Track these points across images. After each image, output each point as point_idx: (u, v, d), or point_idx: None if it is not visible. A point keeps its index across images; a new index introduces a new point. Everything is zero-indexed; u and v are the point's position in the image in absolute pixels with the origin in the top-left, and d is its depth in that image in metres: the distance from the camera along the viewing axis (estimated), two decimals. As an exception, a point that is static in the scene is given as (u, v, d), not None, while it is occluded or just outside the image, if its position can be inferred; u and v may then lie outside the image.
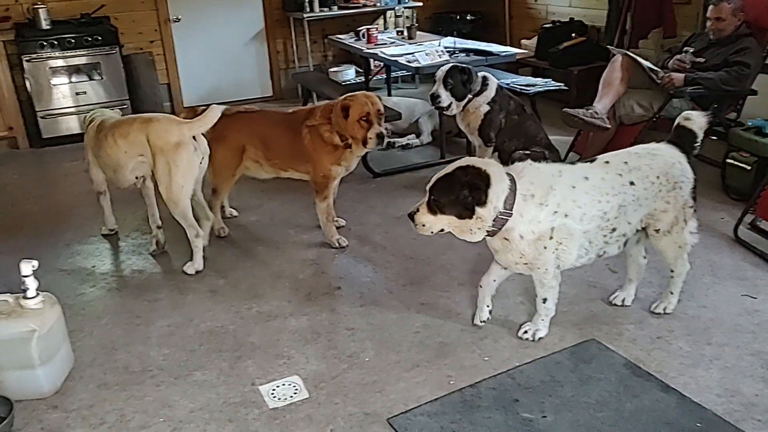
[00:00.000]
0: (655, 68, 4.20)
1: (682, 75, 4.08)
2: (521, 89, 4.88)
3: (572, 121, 4.07)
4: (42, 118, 5.80)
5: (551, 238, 2.47)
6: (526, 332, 2.74)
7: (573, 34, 6.07)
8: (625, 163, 2.58)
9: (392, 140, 5.17)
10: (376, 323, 2.93)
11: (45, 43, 5.63)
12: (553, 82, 5.02)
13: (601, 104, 4.12)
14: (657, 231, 2.65)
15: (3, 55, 5.59)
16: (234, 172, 3.70)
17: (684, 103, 4.18)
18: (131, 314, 3.10)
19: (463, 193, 2.39)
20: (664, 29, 5.22)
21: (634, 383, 2.45)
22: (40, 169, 5.42)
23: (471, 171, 2.42)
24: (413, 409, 2.38)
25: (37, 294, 2.51)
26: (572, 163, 2.86)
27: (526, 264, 2.56)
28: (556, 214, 2.44)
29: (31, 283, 2.48)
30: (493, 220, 2.42)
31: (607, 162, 2.59)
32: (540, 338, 2.72)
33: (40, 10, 5.67)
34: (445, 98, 4.05)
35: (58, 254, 3.76)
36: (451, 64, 4.09)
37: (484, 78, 4.07)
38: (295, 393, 2.51)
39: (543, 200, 2.43)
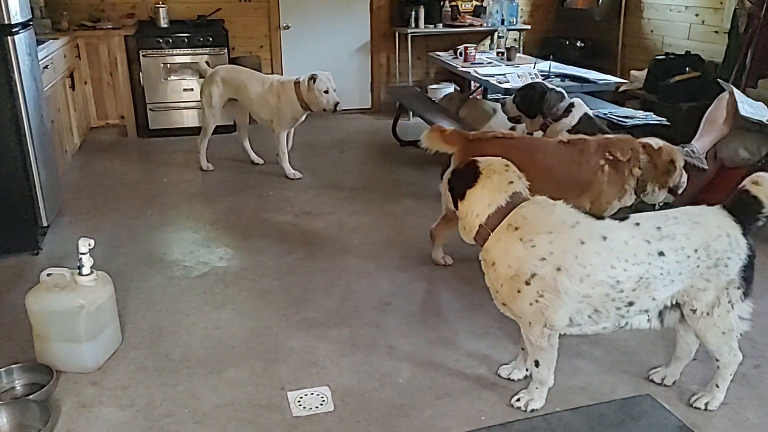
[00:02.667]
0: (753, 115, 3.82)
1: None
2: (618, 121, 4.62)
3: (664, 158, 3.78)
4: (151, 110, 6.17)
5: (528, 284, 2.16)
6: (518, 400, 2.41)
7: (687, 68, 5.69)
8: (658, 228, 2.17)
9: None
10: (418, 345, 2.83)
11: (161, 40, 5.99)
12: (654, 116, 4.72)
13: (700, 143, 3.82)
14: (693, 311, 2.24)
15: (123, 48, 5.99)
16: None
17: (797, 150, 3.80)
18: (186, 304, 3.18)
19: (451, 176, 2.36)
20: (788, 69, 4.77)
21: (685, 450, 2.21)
22: (141, 158, 5.74)
23: (472, 164, 2.31)
24: (435, 439, 2.26)
25: (92, 272, 2.61)
26: (634, 211, 2.39)
27: (505, 305, 2.31)
28: (544, 261, 2.13)
29: (87, 261, 2.59)
30: (477, 230, 2.26)
31: (638, 224, 2.19)
32: (533, 410, 2.37)
33: (161, 10, 6.05)
34: (510, 108, 4.08)
35: (137, 238, 3.95)
36: (530, 82, 3.99)
37: (571, 104, 3.88)
38: (321, 404, 2.46)
39: (526, 238, 2.16)
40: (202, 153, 5.24)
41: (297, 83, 4.80)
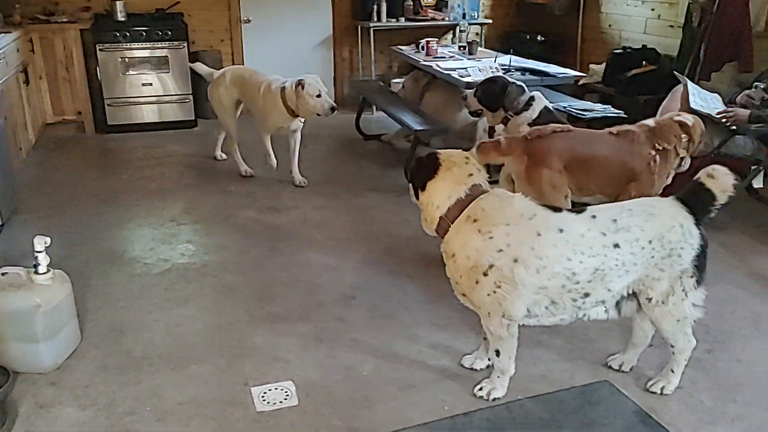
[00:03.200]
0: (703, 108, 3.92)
1: (746, 111, 3.81)
2: (577, 114, 4.71)
3: (622, 149, 3.86)
4: (109, 105, 6.05)
5: (486, 275, 2.19)
6: (481, 389, 2.44)
7: (644, 62, 5.81)
8: (614, 221, 2.20)
9: None
10: (381, 338, 2.85)
11: (118, 34, 5.87)
12: (612, 109, 4.81)
13: (656, 134, 3.89)
14: (649, 300, 2.29)
15: (79, 42, 5.85)
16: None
17: (749, 141, 3.92)
18: (147, 301, 3.14)
19: (412, 167, 2.36)
20: (739, 63, 4.91)
21: (641, 434, 2.27)
22: (100, 154, 5.63)
23: (433, 156, 2.32)
24: (399, 430, 2.28)
25: (48, 270, 2.56)
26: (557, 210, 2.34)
27: (464, 296, 2.35)
28: (502, 252, 2.16)
29: (43, 259, 2.53)
30: (438, 222, 2.29)
31: (594, 216, 2.22)
32: (495, 398, 2.41)
33: (117, 3, 5.94)
34: (471, 102, 4.08)
35: (96, 236, 3.87)
36: (491, 76, 4.02)
37: (531, 98, 3.93)
38: (285, 399, 2.45)
39: (485, 230, 2.19)
40: (238, 159, 4.95)
41: (283, 89, 4.47)
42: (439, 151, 2.37)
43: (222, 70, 5.09)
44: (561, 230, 2.18)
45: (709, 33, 4.91)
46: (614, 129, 3.32)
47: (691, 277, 2.28)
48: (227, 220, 4.12)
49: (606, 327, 2.93)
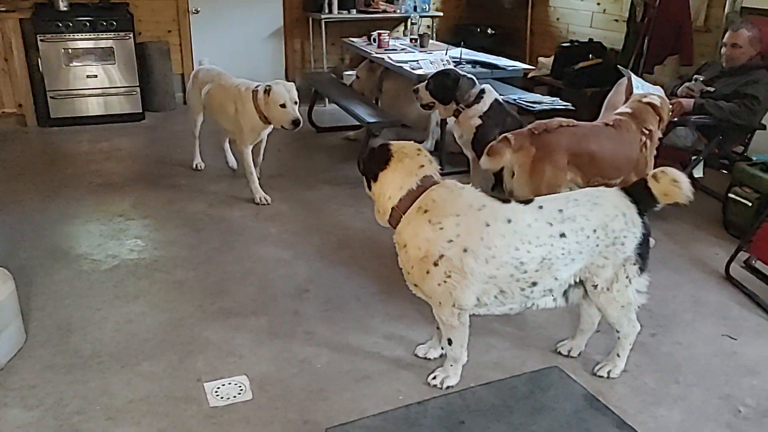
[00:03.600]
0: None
1: (690, 100, 3.95)
2: (526, 106, 4.78)
3: (569, 141, 3.95)
4: (52, 98, 5.86)
5: (436, 264, 2.22)
6: (434, 378, 2.48)
7: (590, 55, 5.94)
8: (560, 211, 2.25)
9: None
10: (336, 330, 2.86)
11: (60, 24, 5.68)
12: (560, 101, 4.91)
13: (602, 126, 4.00)
14: (595, 287, 2.35)
15: (18, 32, 5.64)
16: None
17: (689, 133, 4.06)
18: (95, 298, 3.07)
19: (365, 158, 2.41)
20: (681, 57, 5.07)
21: (589, 416, 2.33)
22: (43, 148, 5.45)
23: (385, 147, 2.35)
24: (354, 421, 2.29)
25: (-11, 269, 2.48)
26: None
27: (416, 286, 2.38)
28: (452, 243, 2.20)
29: (-17, 257, 2.45)
30: (390, 212, 2.33)
31: (541, 207, 2.26)
32: (449, 386, 2.45)
33: (59, -8, 5.74)
34: (423, 95, 4.08)
35: (40, 232, 3.76)
36: (442, 69, 4.04)
37: (482, 91, 3.98)
38: (239, 393, 2.44)
39: (435, 220, 2.22)
40: (195, 150, 4.82)
41: (255, 92, 4.11)
42: (391, 142, 2.39)
43: (196, 68, 4.80)
44: (509, 220, 2.22)
45: (652, 28, 5.06)
46: (609, 120, 3.42)
47: (634, 264, 2.34)
48: (177, 214, 4.05)
49: (556, 314, 3.00)
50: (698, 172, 4.16)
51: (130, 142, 5.54)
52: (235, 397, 2.42)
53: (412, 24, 6.54)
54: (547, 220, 2.25)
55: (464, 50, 5.07)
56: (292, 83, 4.20)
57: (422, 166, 2.31)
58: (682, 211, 4.14)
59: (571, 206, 2.28)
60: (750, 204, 3.73)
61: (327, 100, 6.69)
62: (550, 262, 2.25)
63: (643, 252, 2.35)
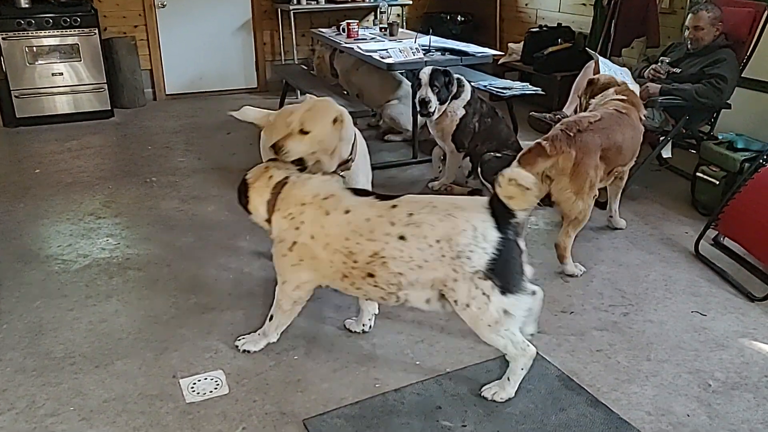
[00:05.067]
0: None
1: (657, 86, 3.99)
2: (497, 92, 4.80)
3: (538, 125, 4.00)
4: (17, 97, 5.74)
5: (291, 249, 2.37)
6: (240, 340, 2.67)
7: (559, 40, 5.98)
8: (410, 214, 2.20)
9: None
10: (312, 320, 2.85)
11: (22, 22, 5.57)
12: (530, 86, 4.93)
13: (570, 109, 4.05)
14: (455, 302, 2.21)
15: (-21, 31, 5.52)
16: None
17: (656, 114, 4.11)
18: (66, 299, 3.03)
19: (238, 194, 2.56)
20: (647, 38, 5.13)
21: (564, 396, 2.36)
22: (9, 148, 5.34)
23: (243, 180, 2.54)
24: (332, 411, 2.30)
25: (-45, 272, 2.43)
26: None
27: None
28: (298, 230, 2.34)
29: (-53, 261, 2.40)
30: (269, 227, 2.48)
31: (395, 206, 2.24)
32: (246, 350, 2.61)
33: (19, -12, 5.61)
34: (434, 102, 3.89)
35: (7, 234, 3.70)
36: (433, 67, 3.98)
37: (459, 80, 3.98)
38: (215, 388, 2.43)
39: (286, 213, 2.38)
40: None
41: None
42: (247, 173, 2.54)
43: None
44: (347, 212, 2.29)
45: (618, 10, 5.11)
46: (619, 107, 3.36)
47: (486, 280, 2.14)
48: (150, 211, 4.01)
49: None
50: (667, 153, 4.22)
51: (99, 140, 5.46)
52: (211, 392, 2.41)
53: (381, 13, 6.50)
54: (391, 219, 2.21)
55: (433, 38, 5.05)
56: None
57: (271, 177, 2.46)
58: (652, 192, 4.21)
59: (424, 212, 2.20)
60: (717, 182, 3.79)
61: (299, 92, 6.65)
62: (384, 260, 2.21)
63: (498, 269, 2.14)
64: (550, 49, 5.90)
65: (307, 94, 2.74)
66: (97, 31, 5.83)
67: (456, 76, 4.03)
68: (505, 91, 4.77)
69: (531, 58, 6.05)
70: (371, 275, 2.27)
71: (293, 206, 2.36)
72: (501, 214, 2.13)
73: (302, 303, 2.52)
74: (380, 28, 5.86)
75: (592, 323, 2.83)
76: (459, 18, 7.16)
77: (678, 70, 4.12)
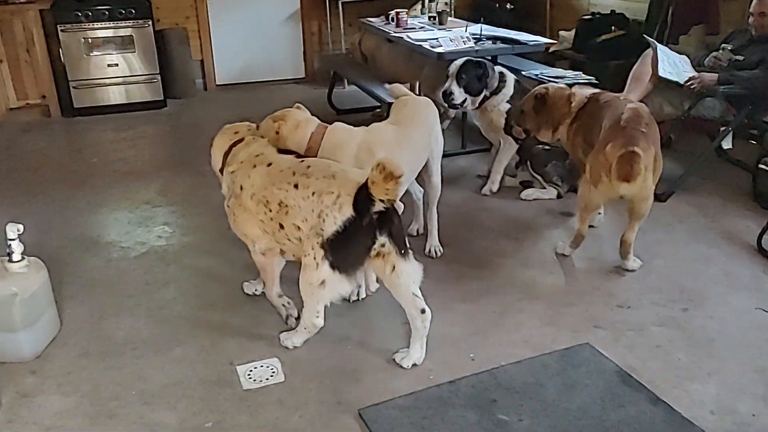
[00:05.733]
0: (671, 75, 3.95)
1: (714, 75, 3.85)
2: (549, 81, 4.70)
3: (594, 115, 3.89)
4: (74, 88, 5.90)
5: (231, 198, 2.63)
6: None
7: (612, 27, 5.83)
8: (308, 166, 2.43)
9: None
10: (366, 311, 2.86)
11: (80, 14, 5.71)
12: (583, 75, 4.82)
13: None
14: (305, 255, 2.36)
15: (39, 23, 5.68)
16: None
17: (717, 103, 3.97)
18: (126, 286, 3.11)
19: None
20: (706, 26, 4.96)
21: (623, 392, 2.32)
22: (68, 138, 5.51)
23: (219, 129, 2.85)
24: (387, 401, 2.30)
25: (23, 258, 2.51)
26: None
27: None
28: (235, 183, 2.60)
29: (16, 247, 2.49)
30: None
31: (303, 161, 2.50)
32: (253, 293, 2.92)
33: (77, -19, 5.75)
34: (459, 95, 3.87)
35: (69, 221, 3.81)
36: (466, 59, 3.93)
37: (501, 74, 3.91)
38: (271, 375, 2.46)
39: (229, 169, 2.66)
40: None
41: None
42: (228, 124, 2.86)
43: None
44: (269, 164, 2.52)
45: (677, -3, 4.95)
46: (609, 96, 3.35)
47: (322, 248, 2.28)
48: (203, 200, 4.07)
49: (586, 291, 2.99)
50: (727, 144, 4.08)
51: (153, 130, 5.57)
52: (267, 379, 2.44)
53: (429, 2, 6.45)
54: (295, 169, 2.44)
55: (484, 26, 4.99)
56: None
57: (236, 133, 2.76)
58: (712, 184, 4.08)
59: (317, 166, 2.43)
60: (781, 175, 3.65)
61: (346, 81, 6.67)
62: (287, 209, 2.41)
63: (335, 242, 2.26)
64: (603, 37, 5.75)
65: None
66: (150, 23, 5.94)
67: (499, 69, 3.95)
68: (557, 81, 4.66)
69: (583, 46, 5.91)
70: (282, 226, 2.45)
71: (235, 163, 2.63)
72: (363, 197, 2.22)
73: (273, 261, 2.68)
74: (429, 17, 5.81)
75: (650, 318, 2.76)
76: (509, 6, 7.05)
77: (741, 58, 3.97)
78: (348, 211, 2.24)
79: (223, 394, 2.37)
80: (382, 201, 2.20)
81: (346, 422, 2.22)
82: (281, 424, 2.22)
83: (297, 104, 2.95)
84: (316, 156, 2.70)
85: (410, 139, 2.89)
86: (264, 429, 2.20)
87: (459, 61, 3.91)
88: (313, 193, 2.32)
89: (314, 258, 2.31)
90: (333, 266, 2.30)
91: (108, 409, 2.31)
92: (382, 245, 2.29)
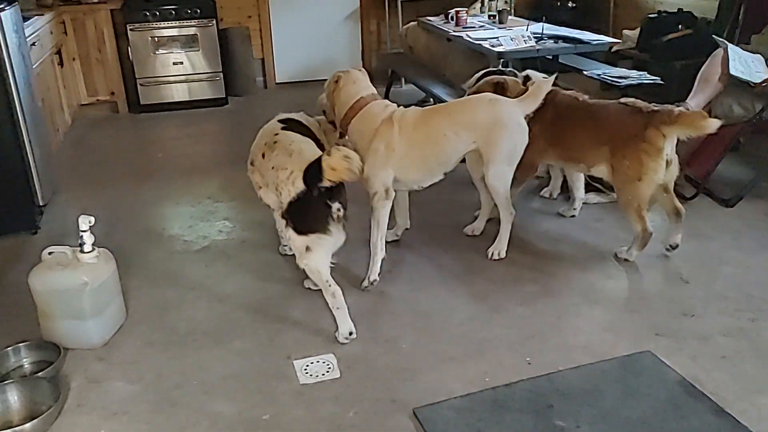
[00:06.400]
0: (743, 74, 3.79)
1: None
2: (612, 81, 4.60)
3: (660, 117, 3.78)
4: (141, 85, 6.10)
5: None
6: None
7: (680, 26, 5.64)
8: (275, 142, 2.80)
9: None
10: (420, 310, 2.87)
11: (148, 13, 5.90)
12: (648, 75, 4.70)
13: (695, 101, 3.81)
14: None
15: (110, 23, 5.90)
16: None
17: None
18: (188, 278, 3.20)
19: None
20: (781, 24, 4.74)
21: (685, 403, 2.25)
22: (134, 133, 5.70)
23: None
24: (441, 402, 2.30)
25: (93, 249, 2.62)
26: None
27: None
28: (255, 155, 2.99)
29: (88, 238, 2.59)
30: None
31: (277, 138, 2.84)
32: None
33: (146, -18, 5.94)
34: None
35: (134, 214, 3.94)
36: (486, 70, 3.85)
37: (526, 77, 3.78)
38: (327, 371, 2.49)
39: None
40: None
41: None
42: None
43: None
44: (276, 134, 2.85)
45: (750, -6, 4.75)
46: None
47: (283, 218, 2.63)
48: (262, 196, 4.15)
49: (648, 298, 2.92)
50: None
51: (214, 127, 5.71)
52: (323, 375, 2.47)
53: (489, 0, 6.39)
54: (268, 141, 2.81)
55: (546, 25, 4.91)
56: None
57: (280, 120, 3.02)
58: (784, 190, 3.92)
59: (283, 142, 2.77)
60: None
61: (403, 80, 6.68)
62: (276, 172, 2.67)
63: (294, 213, 2.58)
64: (669, 36, 5.57)
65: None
66: (214, 22, 6.09)
67: (525, 73, 3.74)
68: (620, 81, 4.56)
69: (648, 45, 5.74)
70: (279, 191, 2.63)
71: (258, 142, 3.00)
72: (313, 173, 2.47)
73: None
74: (489, 16, 5.77)
75: (716, 328, 2.67)
76: (570, 4, 6.92)
77: (819, 58, 3.80)
78: (300, 185, 2.53)
79: (280, 387, 2.42)
80: (329, 180, 2.47)
81: (401, 421, 2.23)
82: (337, 420, 2.24)
83: (361, 68, 3.10)
84: (348, 126, 3.00)
85: (431, 127, 3.00)
86: (320, 424, 2.23)
87: (480, 74, 3.82)
88: (273, 167, 2.66)
89: (284, 229, 2.67)
90: (298, 231, 2.60)
91: (170, 397, 2.38)
92: (338, 209, 2.64)
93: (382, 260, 3.07)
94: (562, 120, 3.28)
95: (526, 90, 3.18)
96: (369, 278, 3.04)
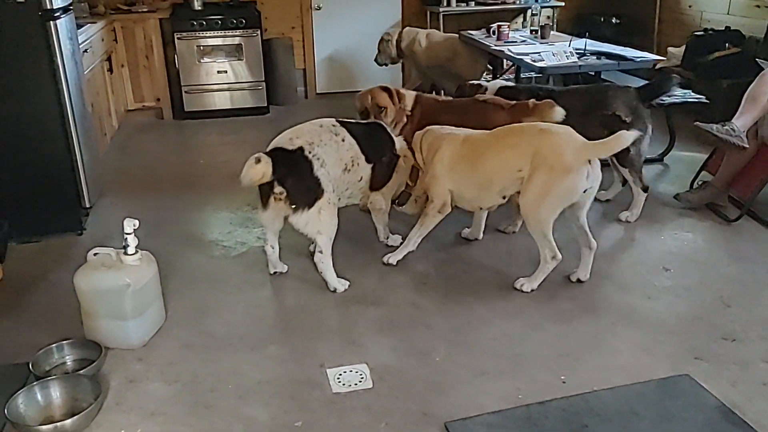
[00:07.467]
0: None
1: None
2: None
3: (705, 136, 3.72)
4: (186, 92, 6.24)
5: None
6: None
7: (727, 44, 5.55)
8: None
9: None
10: (454, 324, 2.86)
11: (195, 23, 6.04)
12: (692, 93, 4.63)
13: (741, 121, 3.73)
14: None
15: (158, 31, 6.05)
16: None
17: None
18: (226, 283, 3.25)
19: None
20: (834, 44, 4.63)
21: (724, 429, 2.20)
22: (178, 140, 5.83)
23: None
24: (474, 417, 2.29)
25: (137, 251, 2.68)
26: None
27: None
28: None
29: (132, 241, 2.66)
30: None
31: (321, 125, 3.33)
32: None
33: (195, -8, 6.10)
34: None
35: (176, 219, 4.03)
36: (501, 85, 3.89)
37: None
38: (360, 381, 2.51)
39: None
40: None
41: None
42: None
43: None
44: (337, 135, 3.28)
45: (801, 13, 4.65)
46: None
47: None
48: (300, 205, 4.19)
49: (687, 320, 2.86)
50: None
51: (255, 135, 5.79)
52: (356, 384, 2.49)
53: (532, 15, 6.39)
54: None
55: (588, 41, 4.88)
56: None
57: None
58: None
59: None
60: None
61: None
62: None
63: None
64: (716, 54, 5.50)
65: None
66: (259, 32, 6.20)
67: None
68: (664, 99, 4.50)
69: (693, 63, 5.66)
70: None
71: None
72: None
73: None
74: (531, 31, 5.76)
75: (758, 353, 2.61)
76: (614, 20, 6.86)
77: None
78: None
79: (313, 394, 2.44)
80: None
81: (432, 434, 2.23)
82: (368, 431, 2.25)
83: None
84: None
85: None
86: (351, 433, 2.25)
87: (494, 87, 3.97)
88: None
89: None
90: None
91: (205, 400, 2.43)
92: (280, 192, 3.04)
93: (409, 252, 3.37)
94: (427, 120, 3.55)
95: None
96: (389, 259, 3.36)
